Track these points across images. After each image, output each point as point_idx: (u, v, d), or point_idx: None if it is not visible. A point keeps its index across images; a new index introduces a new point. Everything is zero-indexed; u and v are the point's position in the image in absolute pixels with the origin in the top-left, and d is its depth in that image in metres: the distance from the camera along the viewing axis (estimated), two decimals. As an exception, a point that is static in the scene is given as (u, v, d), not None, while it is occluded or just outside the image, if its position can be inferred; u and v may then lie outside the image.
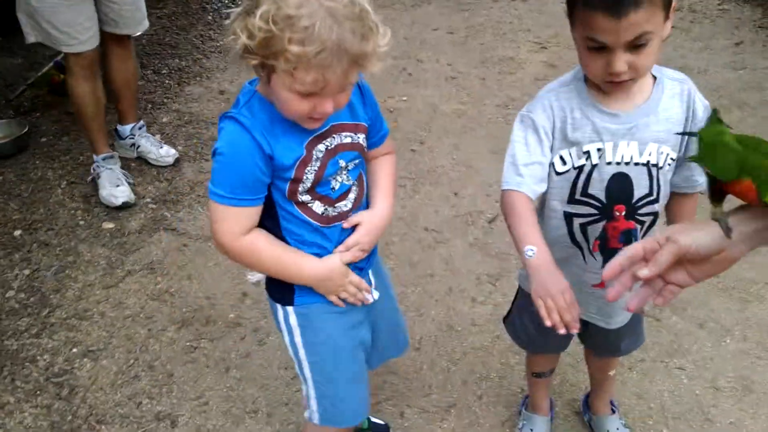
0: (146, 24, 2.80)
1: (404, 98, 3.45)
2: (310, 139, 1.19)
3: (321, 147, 1.20)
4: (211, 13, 4.47)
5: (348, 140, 1.24)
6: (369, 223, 1.31)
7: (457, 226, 2.58)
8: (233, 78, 3.73)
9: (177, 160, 2.98)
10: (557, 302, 1.10)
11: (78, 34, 2.52)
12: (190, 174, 2.94)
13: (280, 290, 1.34)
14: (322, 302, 1.32)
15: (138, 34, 2.88)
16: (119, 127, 2.98)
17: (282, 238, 1.27)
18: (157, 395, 1.94)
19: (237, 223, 1.20)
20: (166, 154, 2.96)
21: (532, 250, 1.16)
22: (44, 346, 2.12)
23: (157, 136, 3.09)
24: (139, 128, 2.97)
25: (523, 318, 1.54)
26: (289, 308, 1.33)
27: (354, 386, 1.41)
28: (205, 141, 3.19)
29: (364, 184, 1.34)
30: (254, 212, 1.21)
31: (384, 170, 1.38)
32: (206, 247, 2.50)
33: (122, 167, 2.82)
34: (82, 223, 2.66)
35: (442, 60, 3.82)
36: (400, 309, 1.63)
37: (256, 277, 2.34)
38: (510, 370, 1.99)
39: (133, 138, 2.96)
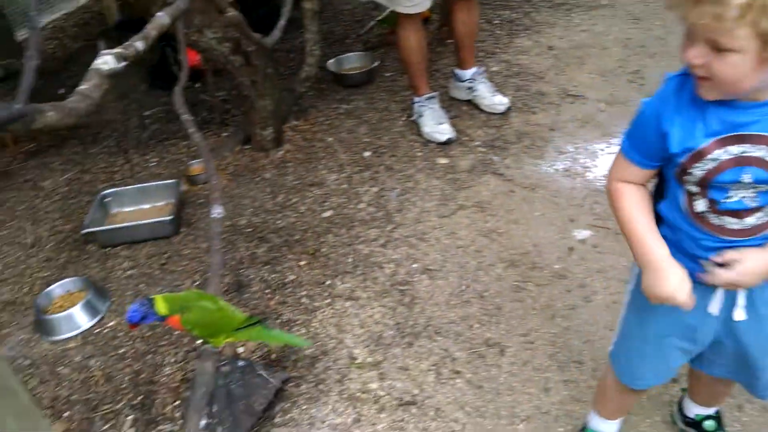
0: None
1: None
2: (718, 138, 1.07)
3: (731, 149, 1.07)
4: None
5: (760, 154, 1.07)
6: (752, 265, 1.14)
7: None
8: (563, 34, 3.72)
9: (507, 109, 3.09)
10: None
11: None
12: (518, 124, 3.03)
13: None
14: None
15: None
16: (458, 71, 3.16)
17: (654, 212, 1.23)
18: (487, 323, 2.10)
19: (619, 170, 1.24)
20: (498, 102, 3.08)
21: None
22: (389, 256, 2.40)
23: (490, 84, 3.23)
24: (480, 73, 3.12)
25: None
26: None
27: (646, 361, 1.41)
28: (532, 94, 3.24)
29: None
30: (637, 172, 1.21)
31: None
32: (532, 196, 2.59)
33: (452, 109, 3.02)
34: (419, 154, 2.92)
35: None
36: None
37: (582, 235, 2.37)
38: None
39: (472, 82, 3.12)
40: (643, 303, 1.28)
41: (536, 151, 2.84)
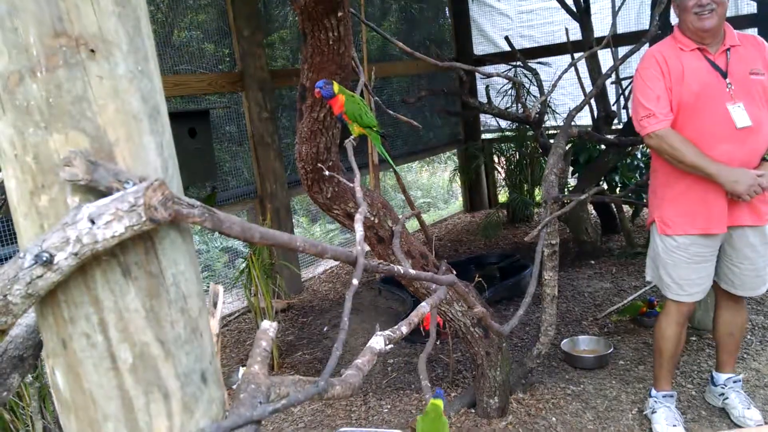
0: (764, 288, 2.82)
1: None
2: None
3: None
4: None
5: None
6: None
7: None
8: (828, 350, 3.42)
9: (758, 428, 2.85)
10: None
11: (688, 288, 2.77)
12: (766, 443, 2.76)
13: None
14: None
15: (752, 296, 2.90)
16: (714, 373, 3.06)
17: None
18: None
19: None
20: (750, 417, 2.87)
21: None
22: None
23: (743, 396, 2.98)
24: (734, 381, 2.99)
25: None
26: None
27: None
28: (786, 412, 2.97)
29: None
30: None
31: None
32: None
33: (689, 411, 2.87)
34: (647, 455, 2.79)
35: None
36: None
37: None
38: None
39: (724, 387, 3.00)
40: None
41: (788, 481, 2.53)
